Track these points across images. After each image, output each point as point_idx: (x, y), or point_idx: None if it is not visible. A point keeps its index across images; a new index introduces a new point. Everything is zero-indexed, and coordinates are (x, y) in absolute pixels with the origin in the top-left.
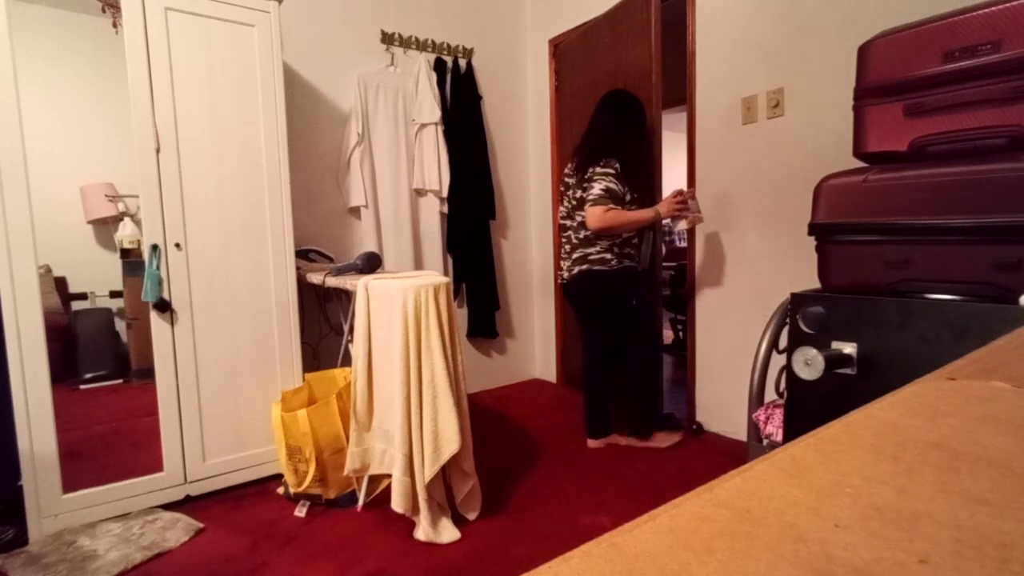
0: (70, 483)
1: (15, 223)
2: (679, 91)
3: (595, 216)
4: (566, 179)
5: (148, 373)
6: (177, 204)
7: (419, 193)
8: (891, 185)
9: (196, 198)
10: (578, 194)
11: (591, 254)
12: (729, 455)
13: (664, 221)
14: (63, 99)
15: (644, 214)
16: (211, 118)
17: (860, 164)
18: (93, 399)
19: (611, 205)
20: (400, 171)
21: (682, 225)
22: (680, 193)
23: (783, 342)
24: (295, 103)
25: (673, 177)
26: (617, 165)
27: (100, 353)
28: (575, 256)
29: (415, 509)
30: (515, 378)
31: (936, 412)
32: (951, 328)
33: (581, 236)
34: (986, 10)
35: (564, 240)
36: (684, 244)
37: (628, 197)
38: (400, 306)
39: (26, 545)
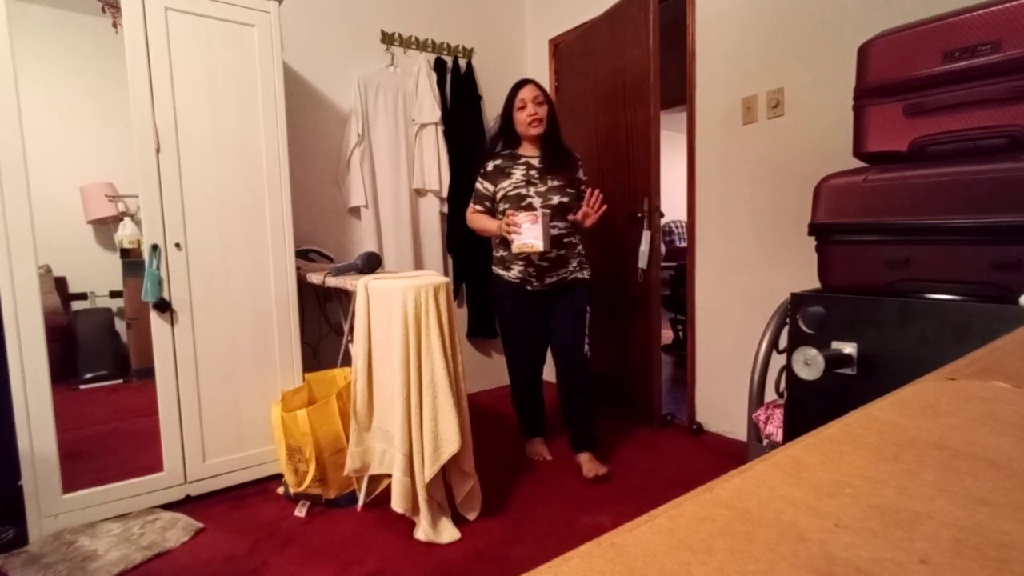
0: (70, 483)
1: (15, 223)
2: (679, 91)
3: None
4: None
5: (148, 373)
6: (177, 204)
7: (419, 193)
8: (891, 185)
9: (196, 198)
10: None
11: None
12: (729, 455)
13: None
14: (63, 99)
15: (488, 225)
16: (211, 118)
17: (860, 164)
18: (93, 399)
19: (474, 206)
20: (400, 171)
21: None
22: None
23: (783, 342)
24: (295, 103)
25: (674, 177)
26: (489, 163)
27: (100, 353)
28: None
29: (415, 509)
30: None
31: (936, 412)
32: (951, 328)
33: None
34: (986, 10)
35: None
36: (684, 244)
37: (502, 194)
38: (400, 306)
39: (26, 545)
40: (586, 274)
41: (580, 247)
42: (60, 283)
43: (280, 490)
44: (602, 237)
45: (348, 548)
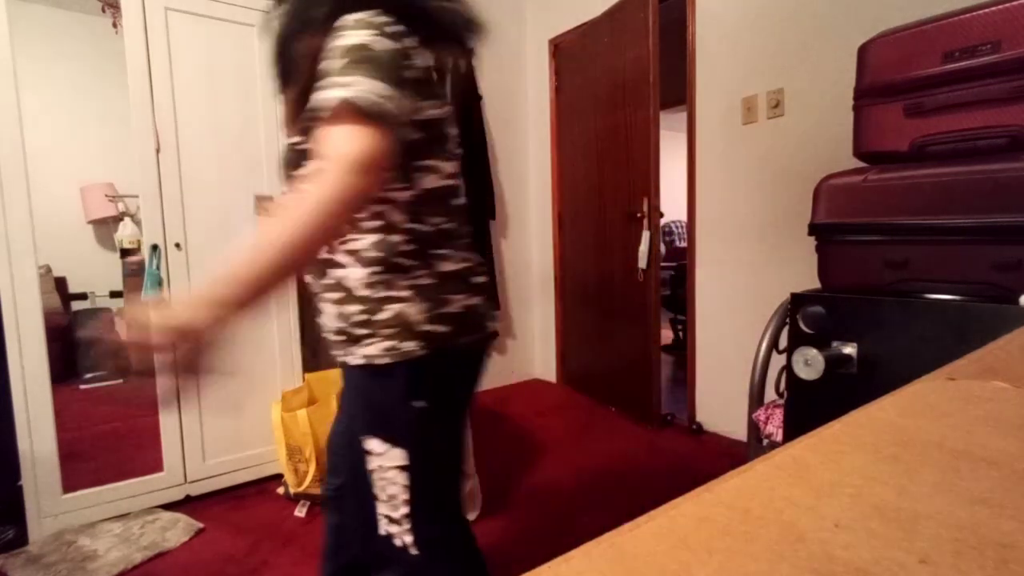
0: (70, 483)
1: (15, 223)
2: (679, 91)
3: None
4: None
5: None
6: (177, 204)
7: None
8: (891, 185)
9: (196, 198)
10: None
11: None
12: (729, 455)
13: None
14: (63, 99)
15: None
16: (211, 118)
17: (860, 164)
18: (93, 399)
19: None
20: None
21: None
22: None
23: (783, 342)
24: None
25: (674, 177)
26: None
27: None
28: None
29: None
30: (515, 378)
31: (936, 412)
32: (951, 328)
33: None
34: (986, 10)
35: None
36: (684, 244)
37: None
38: None
39: (26, 545)
40: (379, 353)
41: (365, 277)
42: (60, 283)
43: (280, 490)
44: (602, 236)
45: None
